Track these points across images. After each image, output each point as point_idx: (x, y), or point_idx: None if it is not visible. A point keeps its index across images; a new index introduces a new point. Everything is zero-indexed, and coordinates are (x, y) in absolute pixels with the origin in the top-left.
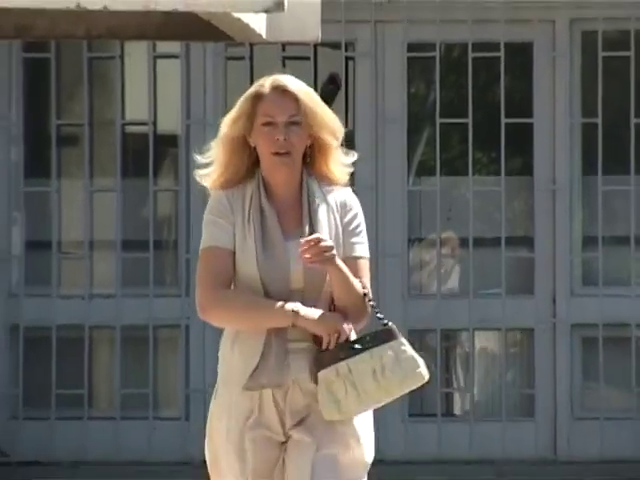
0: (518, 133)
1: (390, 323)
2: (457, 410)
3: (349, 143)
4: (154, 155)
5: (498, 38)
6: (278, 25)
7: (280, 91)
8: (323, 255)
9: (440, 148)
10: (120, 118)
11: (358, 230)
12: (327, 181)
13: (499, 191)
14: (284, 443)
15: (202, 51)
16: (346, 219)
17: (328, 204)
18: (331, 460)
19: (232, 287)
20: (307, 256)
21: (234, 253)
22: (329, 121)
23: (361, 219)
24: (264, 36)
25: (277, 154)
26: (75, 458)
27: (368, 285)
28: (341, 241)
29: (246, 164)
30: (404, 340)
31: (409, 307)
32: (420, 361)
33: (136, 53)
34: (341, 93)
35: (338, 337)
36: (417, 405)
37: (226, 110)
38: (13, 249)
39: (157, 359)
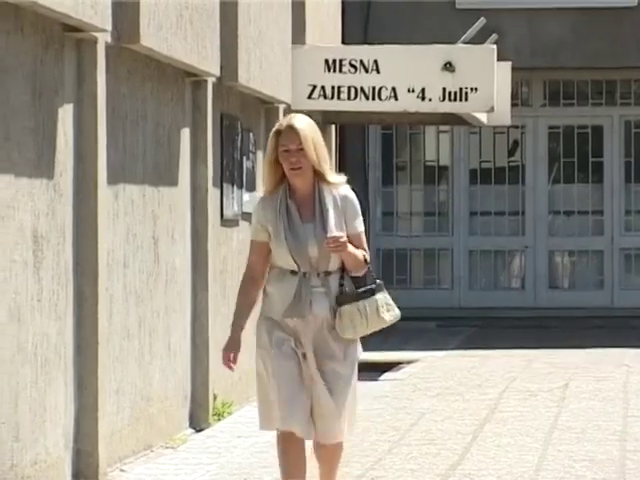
0: (596, 166)
1: (379, 280)
2: (572, 285)
3: (523, 173)
4: (438, 174)
5: (587, 124)
6: (491, 116)
7: (290, 128)
8: (340, 246)
9: (563, 172)
10: (423, 158)
11: (356, 214)
12: (332, 184)
13: (587, 191)
14: (296, 353)
15: (458, 129)
16: (347, 207)
17: (333, 197)
18: (332, 370)
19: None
20: (331, 246)
21: (267, 240)
22: (315, 151)
23: (357, 206)
24: (485, 122)
25: (292, 169)
26: None
27: (367, 251)
28: (344, 221)
29: (279, 175)
30: (387, 292)
31: (549, 240)
32: (395, 306)
33: (430, 130)
34: (519, 148)
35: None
36: (554, 279)
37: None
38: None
39: None
